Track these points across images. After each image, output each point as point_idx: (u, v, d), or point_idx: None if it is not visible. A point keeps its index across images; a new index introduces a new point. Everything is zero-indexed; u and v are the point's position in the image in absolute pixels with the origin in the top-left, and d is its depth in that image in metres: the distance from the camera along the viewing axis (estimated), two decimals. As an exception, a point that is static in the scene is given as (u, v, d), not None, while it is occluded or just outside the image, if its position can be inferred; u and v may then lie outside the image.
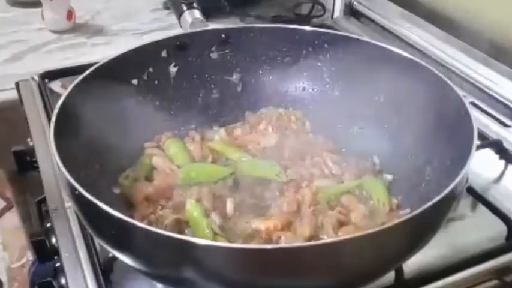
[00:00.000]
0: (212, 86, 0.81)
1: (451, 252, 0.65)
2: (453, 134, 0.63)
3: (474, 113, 0.62)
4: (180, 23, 1.07)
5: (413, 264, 0.59)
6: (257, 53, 0.81)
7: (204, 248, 0.46)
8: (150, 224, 0.61)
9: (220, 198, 0.66)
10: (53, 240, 0.65)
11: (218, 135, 0.77)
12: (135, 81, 0.75)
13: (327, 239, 0.61)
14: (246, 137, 0.77)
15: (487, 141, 0.81)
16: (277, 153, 0.74)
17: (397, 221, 0.49)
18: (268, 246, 0.49)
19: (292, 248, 0.49)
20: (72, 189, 0.51)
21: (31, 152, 0.80)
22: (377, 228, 0.47)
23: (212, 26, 1.06)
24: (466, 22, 0.97)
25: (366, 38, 0.79)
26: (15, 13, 1.25)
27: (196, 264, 0.47)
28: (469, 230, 0.68)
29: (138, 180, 0.69)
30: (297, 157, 0.74)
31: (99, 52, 1.07)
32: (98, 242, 0.62)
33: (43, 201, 0.72)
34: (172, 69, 0.78)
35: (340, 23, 1.18)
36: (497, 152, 0.80)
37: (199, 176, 0.69)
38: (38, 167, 0.76)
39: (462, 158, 0.55)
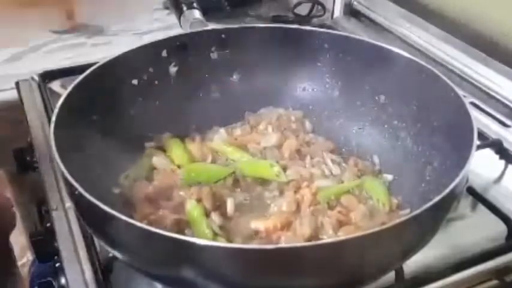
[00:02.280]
0: (212, 86, 0.81)
1: (451, 252, 0.65)
2: (453, 134, 0.63)
3: (474, 113, 0.62)
4: (180, 23, 1.07)
5: (413, 264, 0.59)
6: (257, 53, 0.81)
7: (204, 248, 0.46)
8: (150, 224, 0.61)
9: (220, 198, 0.66)
10: (53, 240, 0.65)
11: (218, 135, 0.77)
12: (135, 81, 0.75)
13: (327, 239, 0.61)
14: (246, 137, 0.77)
15: (487, 141, 0.81)
16: (277, 153, 0.74)
17: (397, 221, 0.49)
18: (269, 247, 0.49)
19: (292, 248, 0.49)
20: (72, 189, 0.51)
21: (31, 152, 0.80)
22: (377, 228, 0.47)
23: (212, 26, 1.05)
24: (466, 22, 0.97)
25: (366, 38, 0.79)
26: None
27: (196, 264, 0.48)
28: (469, 230, 0.68)
29: (138, 180, 0.69)
30: (297, 157, 0.74)
31: (99, 52, 1.07)
32: (98, 242, 0.62)
33: (43, 201, 0.72)
34: (172, 69, 0.78)
35: (340, 23, 1.18)
36: (497, 152, 0.80)
37: (199, 176, 0.69)
38: (38, 167, 0.76)
39: (462, 158, 0.55)
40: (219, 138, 0.77)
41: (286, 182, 0.69)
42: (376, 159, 0.74)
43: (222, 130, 0.78)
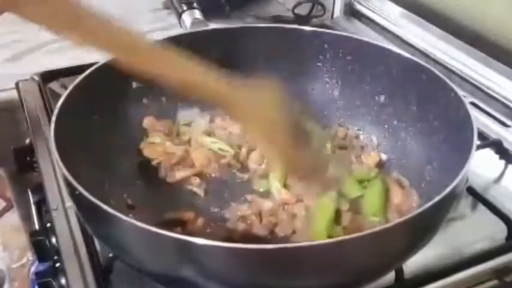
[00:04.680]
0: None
1: (451, 252, 0.65)
2: (453, 134, 0.63)
3: (474, 113, 0.62)
4: (180, 23, 1.07)
5: (413, 264, 0.59)
6: (257, 53, 0.81)
7: (203, 247, 0.46)
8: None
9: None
10: (53, 240, 0.65)
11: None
12: (135, 81, 0.75)
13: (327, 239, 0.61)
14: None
15: (487, 141, 0.81)
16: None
17: (397, 221, 0.49)
18: (269, 246, 0.49)
19: (292, 248, 0.49)
20: (72, 189, 0.51)
21: (31, 151, 0.80)
22: (377, 228, 0.47)
23: (212, 26, 1.06)
24: (466, 22, 0.97)
25: (365, 38, 0.79)
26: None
27: (196, 263, 0.47)
28: (469, 230, 0.68)
29: None
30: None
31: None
32: (98, 242, 0.62)
33: (43, 201, 0.72)
34: (172, 69, 0.78)
35: (340, 23, 1.18)
36: (497, 152, 0.80)
37: None
38: (38, 167, 0.76)
39: (462, 158, 0.55)
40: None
41: None
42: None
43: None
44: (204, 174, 0.72)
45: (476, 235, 0.67)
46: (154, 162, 0.73)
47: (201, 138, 0.75)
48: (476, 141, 0.57)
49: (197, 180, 0.71)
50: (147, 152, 0.73)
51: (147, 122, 0.76)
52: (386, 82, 0.74)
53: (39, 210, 0.72)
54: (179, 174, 0.71)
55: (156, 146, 0.73)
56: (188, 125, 0.79)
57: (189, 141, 0.76)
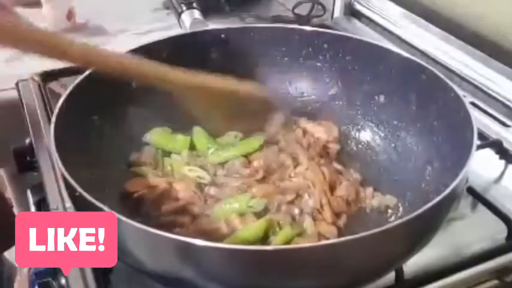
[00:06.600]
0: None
1: (451, 252, 0.65)
2: (453, 134, 0.63)
3: (474, 113, 0.62)
4: (180, 23, 1.07)
5: (413, 264, 0.59)
6: (257, 53, 0.81)
7: (202, 248, 0.46)
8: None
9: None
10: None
11: None
12: (134, 82, 0.75)
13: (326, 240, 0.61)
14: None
15: (487, 141, 0.81)
16: None
17: (397, 221, 0.49)
18: (268, 248, 0.49)
19: (292, 249, 0.49)
20: (72, 190, 0.51)
21: (31, 152, 0.80)
22: (377, 229, 0.47)
23: (212, 26, 1.06)
24: (466, 22, 0.97)
25: (365, 38, 0.79)
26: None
27: (195, 264, 0.48)
28: (469, 230, 0.68)
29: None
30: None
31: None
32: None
33: (43, 201, 0.72)
34: (172, 70, 0.78)
35: (340, 23, 1.18)
36: (497, 152, 0.80)
37: None
38: (38, 167, 0.76)
39: (462, 158, 0.55)
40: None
41: None
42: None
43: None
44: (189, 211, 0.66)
45: (476, 235, 0.67)
46: (135, 195, 0.66)
47: (180, 168, 0.71)
48: (476, 141, 0.57)
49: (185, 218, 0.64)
50: (129, 185, 0.67)
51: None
52: (386, 82, 0.74)
53: (39, 210, 0.72)
54: (164, 208, 0.65)
55: (138, 178, 0.69)
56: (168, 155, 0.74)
57: (172, 173, 0.71)
